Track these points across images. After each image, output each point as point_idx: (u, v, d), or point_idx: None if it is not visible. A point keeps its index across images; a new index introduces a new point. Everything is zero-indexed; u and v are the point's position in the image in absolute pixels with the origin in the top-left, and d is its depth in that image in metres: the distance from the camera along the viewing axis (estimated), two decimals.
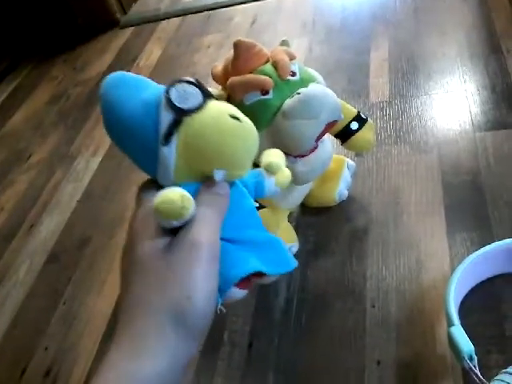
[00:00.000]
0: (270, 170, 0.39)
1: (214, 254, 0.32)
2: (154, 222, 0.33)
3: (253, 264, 0.35)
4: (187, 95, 0.34)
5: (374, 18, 1.09)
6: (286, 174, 0.40)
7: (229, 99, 0.56)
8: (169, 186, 0.33)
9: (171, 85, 0.34)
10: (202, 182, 0.35)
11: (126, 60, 1.32)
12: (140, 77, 0.36)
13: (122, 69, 1.23)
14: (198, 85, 0.35)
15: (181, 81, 0.35)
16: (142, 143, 0.34)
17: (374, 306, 0.59)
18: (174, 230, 0.33)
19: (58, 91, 1.30)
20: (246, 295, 0.36)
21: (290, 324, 0.61)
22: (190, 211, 0.32)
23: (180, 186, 0.33)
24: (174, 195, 0.32)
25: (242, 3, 1.37)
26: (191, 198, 0.32)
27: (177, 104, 0.33)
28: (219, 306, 0.34)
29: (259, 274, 0.36)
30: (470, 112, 0.78)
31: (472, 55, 0.89)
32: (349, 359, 0.55)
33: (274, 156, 0.40)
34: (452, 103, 0.81)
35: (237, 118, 0.34)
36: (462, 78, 0.85)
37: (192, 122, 0.33)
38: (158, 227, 0.33)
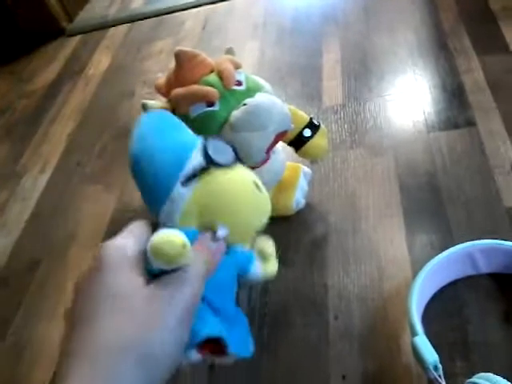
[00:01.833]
0: (264, 255, 0.41)
1: (193, 306, 0.32)
2: (135, 257, 0.32)
3: (219, 329, 0.34)
4: (221, 150, 0.37)
5: (325, 19, 1.08)
6: (274, 265, 0.42)
7: (173, 112, 0.53)
8: (168, 226, 0.34)
9: (211, 137, 0.38)
10: (200, 231, 0.36)
11: (74, 70, 1.27)
12: (178, 120, 0.39)
13: (70, 78, 1.17)
14: (234, 148, 0.39)
15: (217, 136, 0.38)
16: (161, 175, 0.35)
17: (336, 318, 0.57)
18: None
19: (3, 104, 1.25)
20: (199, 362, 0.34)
21: (252, 339, 0.59)
22: (185, 260, 0.32)
23: (179, 229, 0.33)
24: (177, 239, 0.31)
25: (193, 7, 1.34)
26: (190, 247, 0.32)
27: (210, 153, 0.36)
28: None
29: (218, 349, 0.34)
30: (424, 112, 0.78)
31: (422, 55, 0.89)
32: (313, 374, 0.54)
33: (270, 245, 0.43)
34: (405, 104, 0.81)
35: (258, 188, 0.38)
36: (414, 78, 0.85)
37: (217, 175, 0.36)
38: (139, 263, 0.32)
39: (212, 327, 0.33)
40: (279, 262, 0.64)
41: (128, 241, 0.33)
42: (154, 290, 0.31)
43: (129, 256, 0.32)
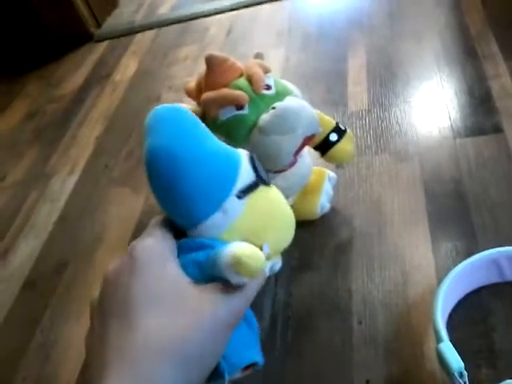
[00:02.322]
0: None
1: (238, 319, 0.32)
2: (169, 255, 0.32)
3: (260, 354, 0.36)
4: (260, 168, 0.36)
5: (350, 25, 1.08)
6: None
7: (203, 115, 0.54)
8: (207, 238, 0.33)
9: (251, 154, 0.37)
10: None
11: (101, 74, 1.30)
12: (194, 117, 0.36)
13: (98, 83, 1.20)
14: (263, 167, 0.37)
15: (252, 155, 0.37)
16: (214, 183, 0.33)
17: (360, 323, 0.57)
18: None
19: (33, 108, 1.28)
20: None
21: (276, 343, 0.59)
22: (262, 275, 0.33)
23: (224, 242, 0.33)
24: (261, 254, 0.32)
25: (217, 14, 1.36)
26: None
27: (258, 168, 0.35)
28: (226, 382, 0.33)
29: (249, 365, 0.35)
30: (450, 118, 0.77)
31: (449, 60, 0.88)
32: (337, 379, 0.54)
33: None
34: (431, 110, 0.80)
35: (287, 204, 0.39)
36: (440, 83, 0.84)
37: (265, 192, 0.36)
38: (174, 261, 0.32)
39: (257, 352, 0.35)
40: (303, 267, 0.65)
41: (158, 239, 0.33)
42: (205, 291, 0.30)
43: (164, 255, 0.32)
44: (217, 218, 0.33)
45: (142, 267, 0.31)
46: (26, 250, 0.85)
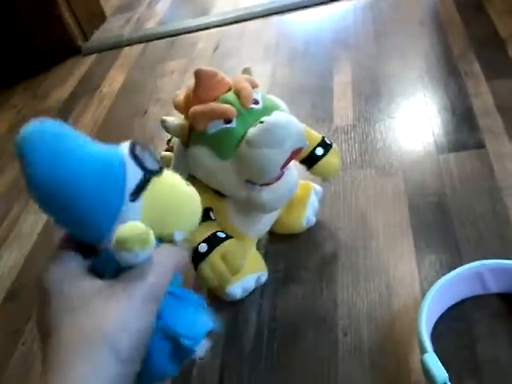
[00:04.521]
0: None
1: (155, 296, 0.33)
2: (80, 270, 0.34)
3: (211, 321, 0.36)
4: (146, 158, 0.35)
5: (335, 42, 1.10)
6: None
7: (191, 128, 0.55)
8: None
9: (132, 146, 0.35)
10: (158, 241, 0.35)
11: (88, 87, 1.30)
12: (62, 126, 0.33)
13: (84, 96, 1.20)
14: (150, 151, 0.36)
15: (135, 143, 0.35)
16: (100, 200, 0.32)
17: (346, 334, 0.58)
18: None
19: (18, 120, 1.27)
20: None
21: (261, 355, 0.59)
22: (152, 244, 0.32)
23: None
24: (139, 224, 0.32)
25: (205, 29, 1.37)
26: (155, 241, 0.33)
27: (145, 162, 0.34)
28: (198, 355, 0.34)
29: None
30: (433, 134, 0.79)
31: (432, 78, 0.90)
32: None
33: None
34: (415, 126, 0.82)
35: (188, 185, 0.38)
36: (424, 100, 0.86)
37: (159, 182, 0.35)
38: (85, 272, 0.33)
39: (208, 319, 0.36)
40: (289, 279, 0.66)
41: (63, 262, 0.34)
42: (113, 285, 0.32)
43: (72, 274, 0.33)
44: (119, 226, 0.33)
45: (53, 296, 0.32)
46: (9, 262, 0.84)
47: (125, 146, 0.35)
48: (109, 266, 0.33)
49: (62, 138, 0.32)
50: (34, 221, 0.91)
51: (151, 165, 0.35)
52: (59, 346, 0.30)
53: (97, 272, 0.34)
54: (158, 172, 0.35)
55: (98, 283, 0.33)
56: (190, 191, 0.37)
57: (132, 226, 0.32)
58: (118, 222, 0.33)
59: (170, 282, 0.34)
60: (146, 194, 0.34)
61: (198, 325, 0.35)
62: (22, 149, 0.31)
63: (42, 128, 0.32)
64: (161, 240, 0.36)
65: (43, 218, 0.91)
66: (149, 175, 0.34)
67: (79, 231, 0.34)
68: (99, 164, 0.33)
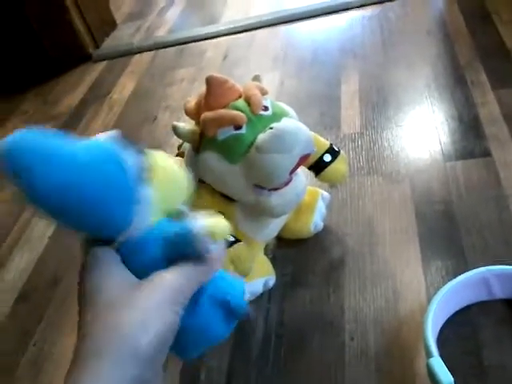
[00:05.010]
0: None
1: (179, 299, 0.33)
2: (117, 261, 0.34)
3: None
4: (127, 142, 0.34)
5: (343, 51, 1.11)
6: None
7: (202, 134, 0.56)
8: (141, 229, 0.34)
9: (111, 136, 0.34)
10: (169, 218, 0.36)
11: (98, 94, 1.32)
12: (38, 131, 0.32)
13: (94, 103, 1.21)
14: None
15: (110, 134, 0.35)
16: (111, 189, 0.32)
17: (352, 339, 0.58)
18: None
19: (29, 126, 1.28)
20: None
21: (269, 360, 0.60)
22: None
23: (158, 226, 0.34)
24: (221, 216, 0.35)
25: (214, 37, 1.39)
26: None
27: (132, 146, 0.34)
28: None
29: None
30: (440, 142, 0.80)
31: (439, 86, 0.91)
32: None
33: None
34: (422, 134, 0.83)
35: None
36: (431, 108, 0.87)
37: (157, 164, 0.35)
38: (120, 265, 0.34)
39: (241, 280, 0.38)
40: (296, 284, 0.66)
41: (100, 255, 0.35)
42: (140, 285, 0.33)
43: (109, 267, 0.34)
44: (138, 211, 0.33)
45: (88, 289, 0.33)
46: (21, 264, 0.85)
47: (105, 137, 0.34)
48: (136, 257, 0.34)
49: (49, 142, 0.31)
50: (45, 224, 0.92)
51: (142, 145, 0.35)
52: (83, 340, 0.31)
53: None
54: (143, 151, 0.35)
55: (127, 280, 0.33)
56: (178, 164, 0.38)
57: (218, 219, 0.35)
58: (139, 207, 0.33)
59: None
60: (152, 176, 0.34)
61: (238, 285, 0.37)
62: (16, 164, 0.30)
63: (24, 140, 0.30)
64: (171, 217, 0.36)
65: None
66: (141, 153, 0.34)
67: (97, 228, 0.34)
68: (96, 155, 0.32)
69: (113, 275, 0.34)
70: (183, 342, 0.35)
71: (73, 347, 0.64)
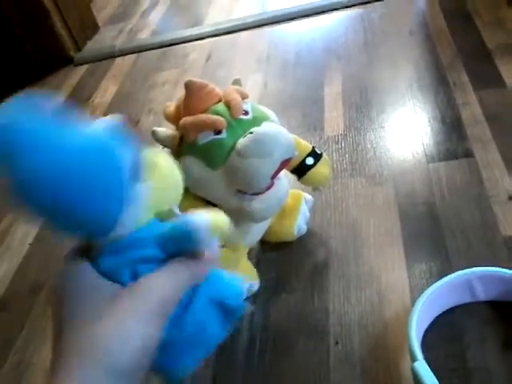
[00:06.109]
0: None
1: (162, 309, 0.32)
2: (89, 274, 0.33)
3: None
4: (126, 134, 0.33)
5: (326, 53, 1.11)
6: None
7: (182, 139, 0.55)
8: (129, 230, 0.32)
9: (109, 125, 0.32)
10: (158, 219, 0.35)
11: (80, 98, 1.30)
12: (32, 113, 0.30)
13: (77, 106, 1.20)
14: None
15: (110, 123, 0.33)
16: (104, 184, 0.30)
17: (337, 343, 0.58)
18: None
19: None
20: None
21: (254, 364, 0.59)
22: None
23: (150, 225, 0.33)
24: (222, 213, 0.34)
25: (197, 39, 1.38)
26: None
27: (129, 140, 0.32)
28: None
29: None
30: (423, 143, 0.80)
31: (422, 87, 0.91)
32: None
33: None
34: (405, 135, 0.83)
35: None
36: (414, 110, 0.87)
37: (155, 162, 0.34)
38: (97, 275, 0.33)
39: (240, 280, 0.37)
40: (280, 288, 0.66)
41: (79, 267, 0.34)
42: (120, 295, 0.32)
43: (87, 277, 0.33)
44: (128, 210, 0.32)
45: (65, 299, 0.32)
46: (0, 272, 0.84)
47: (105, 123, 0.33)
48: (120, 260, 0.33)
49: (40, 124, 0.29)
50: (25, 231, 0.91)
51: (135, 142, 0.33)
52: (59, 353, 0.30)
53: (107, 271, 0.33)
54: (143, 147, 0.34)
55: (107, 289, 0.32)
56: (170, 161, 0.36)
57: (220, 215, 0.34)
58: (127, 206, 0.31)
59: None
60: (148, 174, 0.33)
61: (236, 285, 0.36)
62: (7, 150, 0.28)
63: (14, 121, 0.29)
64: (160, 218, 0.35)
65: (35, 227, 0.91)
66: (138, 152, 0.32)
67: (81, 225, 0.31)
68: (90, 144, 0.30)
69: (88, 286, 0.33)
70: (177, 351, 0.34)
71: None
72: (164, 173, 0.35)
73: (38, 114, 0.29)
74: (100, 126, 0.32)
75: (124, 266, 0.33)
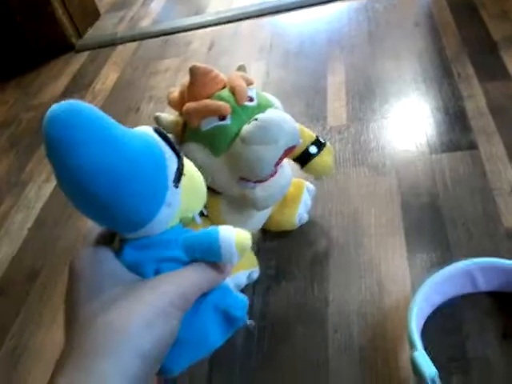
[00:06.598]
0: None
1: (182, 302, 0.32)
2: (107, 256, 0.34)
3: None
4: (171, 141, 0.35)
5: (329, 43, 1.10)
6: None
7: (185, 125, 0.55)
8: (158, 231, 0.34)
9: (157, 130, 0.34)
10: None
11: (81, 84, 1.29)
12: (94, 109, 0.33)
13: (77, 93, 1.18)
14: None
15: (157, 128, 0.35)
16: (150, 184, 0.32)
17: (336, 331, 0.58)
18: None
19: (9, 116, 1.26)
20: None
21: (252, 352, 0.59)
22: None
23: (176, 229, 0.35)
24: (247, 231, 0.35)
25: (199, 28, 1.37)
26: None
27: (175, 147, 0.34)
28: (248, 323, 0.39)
29: None
30: (426, 134, 0.79)
31: (426, 79, 0.91)
32: None
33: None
34: (408, 126, 0.82)
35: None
36: (418, 101, 0.87)
37: (186, 167, 0.35)
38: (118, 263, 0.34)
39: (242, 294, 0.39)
40: (280, 276, 0.66)
41: (91, 248, 0.35)
42: (143, 284, 0.32)
43: (99, 259, 0.34)
44: (163, 212, 0.33)
45: (83, 283, 0.33)
46: None
47: (148, 129, 0.34)
48: (144, 256, 0.34)
49: (102, 122, 0.32)
50: (24, 216, 0.91)
51: (177, 149, 0.35)
52: (84, 339, 0.30)
53: (131, 263, 0.34)
54: (181, 154, 0.35)
55: (128, 278, 0.33)
56: (197, 171, 0.38)
57: (245, 234, 0.35)
58: (165, 208, 0.33)
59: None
60: (183, 180, 0.34)
61: (241, 298, 0.38)
62: (66, 139, 0.30)
63: (79, 113, 0.31)
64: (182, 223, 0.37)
65: (34, 213, 0.91)
66: (182, 159, 0.34)
67: (118, 219, 0.33)
68: (143, 147, 0.32)
69: (110, 272, 0.33)
70: (176, 351, 0.34)
71: (51, 340, 0.63)
72: (194, 181, 0.36)
73: (96, 113, 0.32)
74: (146, 132, 0.34)
75: (148, 262, 0.34)
